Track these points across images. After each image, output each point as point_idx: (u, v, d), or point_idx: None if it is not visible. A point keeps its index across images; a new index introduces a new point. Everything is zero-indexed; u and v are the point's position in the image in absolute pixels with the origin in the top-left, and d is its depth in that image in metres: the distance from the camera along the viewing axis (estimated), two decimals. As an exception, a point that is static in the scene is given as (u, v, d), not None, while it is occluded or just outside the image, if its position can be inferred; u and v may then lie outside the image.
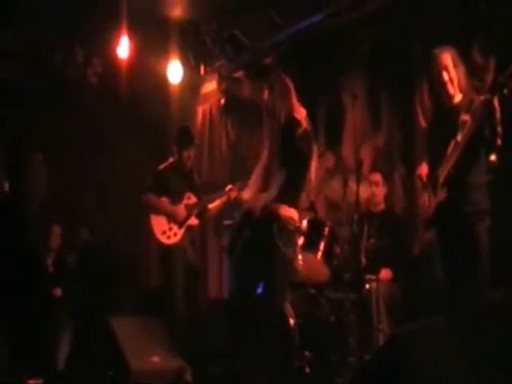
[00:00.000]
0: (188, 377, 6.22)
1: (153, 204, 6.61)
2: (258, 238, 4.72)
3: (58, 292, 6.49)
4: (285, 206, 4.67)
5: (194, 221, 6.65)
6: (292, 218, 4.70)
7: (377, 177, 6.22)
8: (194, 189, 6.80)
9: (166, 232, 6.56)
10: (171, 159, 6.77)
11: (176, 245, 6.52)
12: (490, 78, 5.46)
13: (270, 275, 4.68)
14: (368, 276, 5.67)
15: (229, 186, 6.45)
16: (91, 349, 6.38)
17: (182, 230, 6.58)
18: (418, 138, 6.16)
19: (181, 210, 6.60)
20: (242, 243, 4.83)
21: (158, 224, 6.56)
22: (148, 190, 6.63)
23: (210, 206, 6.73)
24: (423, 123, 6.05)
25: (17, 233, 5.83)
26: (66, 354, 6.49)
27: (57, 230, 6.34)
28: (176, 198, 6.64)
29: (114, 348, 6.04)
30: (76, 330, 6.61)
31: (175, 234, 6.57)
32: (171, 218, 6.58)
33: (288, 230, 4.68)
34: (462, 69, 4.72)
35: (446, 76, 4.67)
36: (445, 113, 4.77)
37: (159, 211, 6.58)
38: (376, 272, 5.77)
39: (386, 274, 5.82)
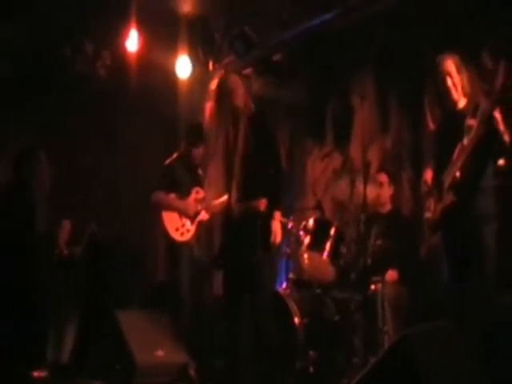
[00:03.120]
0: (192, 372, 6.25)
1: (163, 202, 6.58)
2: (243, 236, 4.88)
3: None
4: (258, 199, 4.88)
5: (204, 216, 6.63)
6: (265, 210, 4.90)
7: (383, 177, 6.21)
8: (201, 183, 6.79)
9: (179, 229, 6.52)
10: (176, 153, 6.76)
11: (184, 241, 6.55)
12: (499, 81, 5.47)
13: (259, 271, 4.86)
14: (374, 277, 5.67)
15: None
16: (97, 342, 6.39)
17: (194, 226, 6.57)
18: (426, 141, 6.15)
19: (191, 204, 6.58)
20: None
21: (171, 221, 6.51)
22: (157, 188, 6.61)
23: (216, 201, 6.74)
24: (432, 126, 6.07)
25: (23, 221, 5.87)
26: (71, 347, 6.51)
27: (67, 225, 6.35)
28: (184, 193, 6.63)
29: (119, 341, 6.06)
30: (81, 322, 6.62)
31: (188, 230, 6.53)
32: (182, 213, 6.55)
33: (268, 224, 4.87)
34: (465, 74, 4.83)
35: (449, 81, 4.78)
36: (451, 117, 4.84)
37: (170, 208, 6.57)
38: (382, 273, 5.77)
39: (391, 275, 5.82)
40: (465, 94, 4.78)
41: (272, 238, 4.87)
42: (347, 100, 7.02)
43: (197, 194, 6.64)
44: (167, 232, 6.52)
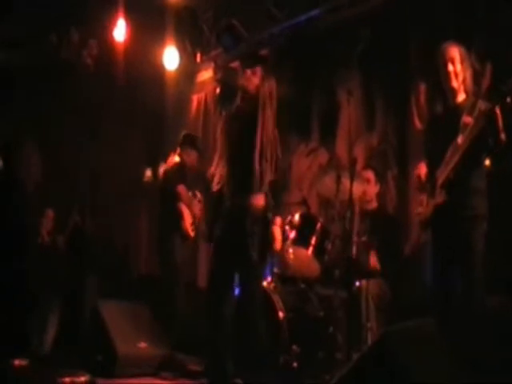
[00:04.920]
0: (174, 364, 6.28)
1: (185, 197, 6.77)
2: (231, 232, 4.68)
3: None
4: (254, 194, 4.63)
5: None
6: (262, 206, 4.63)
7: (369, 174, 6.20)
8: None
9: (192, 225, 6.80)
10: (176, 156, 6.89)
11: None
12: (486, 83, 5.51)
13: (244, 269, 4.67)
14: (358, 274, 5.69)
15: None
16: (79, 332, 6.40)
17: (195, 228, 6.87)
18: (412, 139, 6.19)
19: (198, 206, 6.89)
20: (218, 234, 4.82)
21: (188, 216, 6.75)
22: (179, 181, 6.75)
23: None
24: (418, 124, 6.11)
25: (10, 209, 5.85)
26: (53, 337, 6.50)
27: (51, 213, 6.37)
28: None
29: (101, 332, 6.08)
30: (64, 313, 6.61)
31: (194, 230, 6.83)
32: (194, 214, 6.85)
33: (260, 218, 4.63)
34: (469, 69, 4.71)
35: (450, 67, 4.63)
36: (447, 112, 4.77)
37: (188, 205, 6.79)
38: (366, 269, 5.77)
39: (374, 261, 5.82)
40: (465, 89, 4.68)
41: (273, 246, 4.75)
42: (333, 96, 7.03)
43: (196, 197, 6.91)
44: (184, 224, 6.73)
